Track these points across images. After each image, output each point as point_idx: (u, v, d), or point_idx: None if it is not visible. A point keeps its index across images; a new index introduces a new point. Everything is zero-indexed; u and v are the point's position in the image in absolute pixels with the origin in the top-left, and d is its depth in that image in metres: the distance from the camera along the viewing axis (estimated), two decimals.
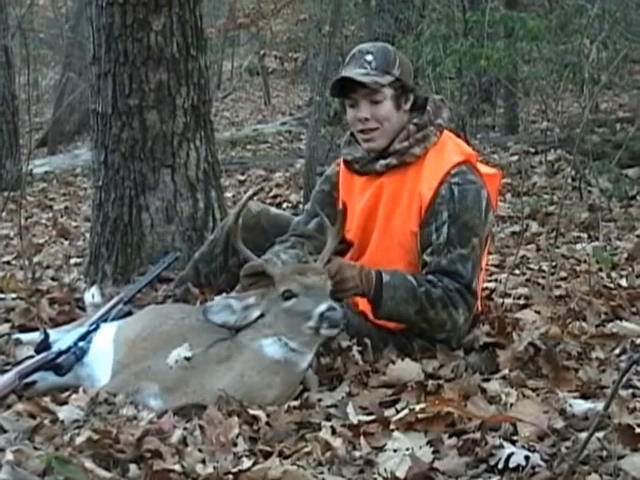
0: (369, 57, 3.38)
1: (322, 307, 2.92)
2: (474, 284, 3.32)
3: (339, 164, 3.66)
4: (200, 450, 2.54)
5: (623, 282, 4.35)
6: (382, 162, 3.42)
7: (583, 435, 2.24)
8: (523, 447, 2.38)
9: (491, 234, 4.02)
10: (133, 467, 2.40)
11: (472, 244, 3.30)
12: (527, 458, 2.29)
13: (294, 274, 3.05)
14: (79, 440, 2.49)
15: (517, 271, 4.76)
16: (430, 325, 3.29)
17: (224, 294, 3.46)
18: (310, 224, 3.62)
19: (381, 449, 2.50)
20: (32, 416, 2.79)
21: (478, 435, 2.45)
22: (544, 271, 4.66)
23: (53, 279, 5.19)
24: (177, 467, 2.39)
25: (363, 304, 3.37)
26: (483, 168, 3.53)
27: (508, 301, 3.96)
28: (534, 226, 6.23)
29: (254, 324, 3.05)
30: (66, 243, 7.19)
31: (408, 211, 3.37)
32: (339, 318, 2.92)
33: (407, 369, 3.08)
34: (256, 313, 3.05)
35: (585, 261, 4.78)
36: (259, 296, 3.08)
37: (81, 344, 3.26)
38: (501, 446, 2.36)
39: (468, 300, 3.29)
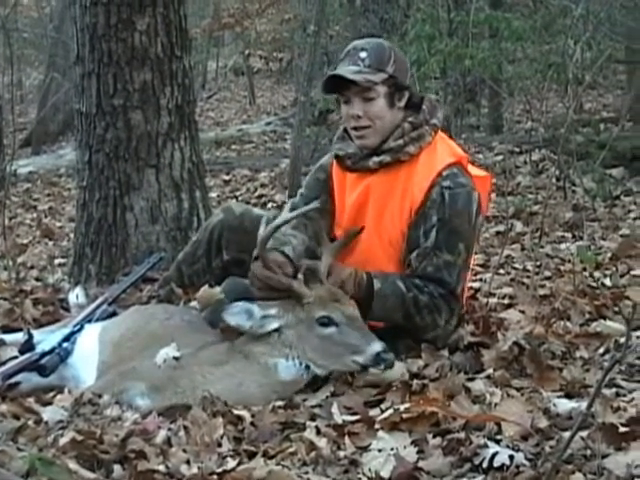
0: (363, 54, 3.34)
1: (377, 347, 2.95)
2: (459, 290, 3.34)
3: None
4: (184, 450, 2.53)
5: (607, 282, 4.35)
6: (375, 159, 3.39)
7: (567, 434, 2.23)
8: (507, 446, 2.38)
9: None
10: (117, 468, 2.39)
11: (459, 249, 3.30)
12: (511, 457, 2.29)
13: (331, 300, 3.04)
14: (63, 441, 2.48)
15: (502, 271, 4.76)
16: (415, 327, 3.32)
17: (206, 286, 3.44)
18: None
19: (366, 449, 2.50)
20: (16, 417, 2.78)
21: (462, 435, 2.45)
22: (528, 271, 4.66)
23: (37, 279, 5.18)
24: (161, 467, 2.38)
25: None
26: (474, 170, 3.52)
27: (493, 301, 3.96)
28: (518, 226, 6.24)
29: (269, 338, 3.02)
30: (50, 243, 7.17)
31: (400, 210, 3.36)
32: (393, 359, 2.98)
33: (392, 369, 3.08)
34: (273, 325, 3.03)
35: (569, 261, 4.78)
36: (281, 309, 3.06)
37: (65, 345, 3.26)
38: (485, 445, 2.36)
39: (452, 306, 3.31)
